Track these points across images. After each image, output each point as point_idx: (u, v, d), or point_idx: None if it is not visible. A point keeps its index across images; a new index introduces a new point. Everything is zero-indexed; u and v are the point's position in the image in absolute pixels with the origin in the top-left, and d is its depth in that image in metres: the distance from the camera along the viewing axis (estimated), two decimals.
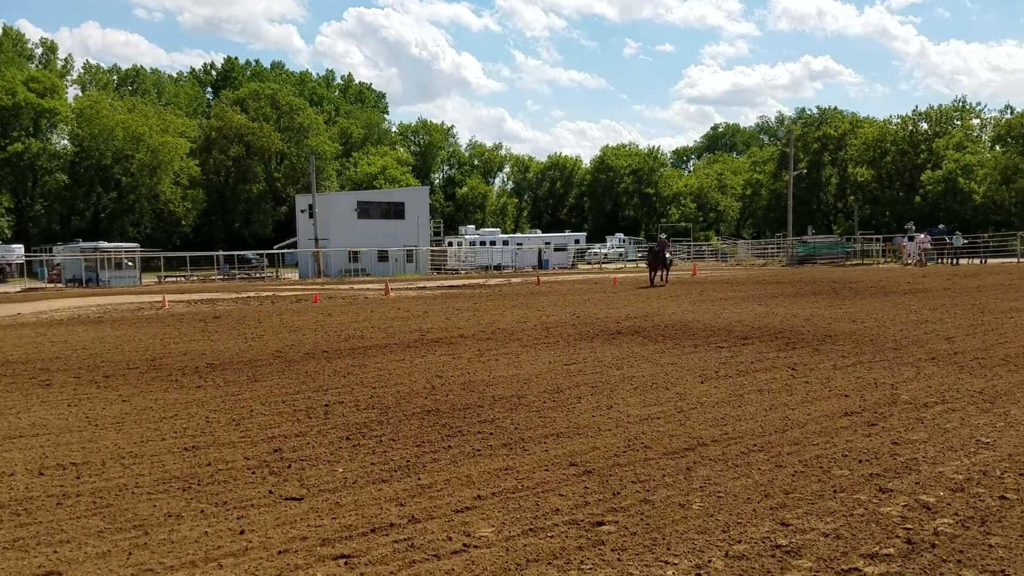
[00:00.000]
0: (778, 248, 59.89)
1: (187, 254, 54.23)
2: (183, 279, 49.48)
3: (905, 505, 5.36)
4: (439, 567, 4.52)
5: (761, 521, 5.12)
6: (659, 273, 31.17)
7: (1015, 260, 43.19)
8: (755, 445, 6.93)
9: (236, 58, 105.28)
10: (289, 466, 6.60)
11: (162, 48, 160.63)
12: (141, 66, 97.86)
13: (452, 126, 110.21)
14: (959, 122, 76.36)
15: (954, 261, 44.43)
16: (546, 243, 64.30)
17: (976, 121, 77.29)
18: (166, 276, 50.52)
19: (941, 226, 52.57)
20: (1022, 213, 63.81)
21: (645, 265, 31.97)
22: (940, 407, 8.24)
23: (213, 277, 50.97)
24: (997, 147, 70.64)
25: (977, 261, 45.13)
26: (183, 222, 76.20)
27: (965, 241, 46.53)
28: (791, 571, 4.38)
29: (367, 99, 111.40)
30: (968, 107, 77.68)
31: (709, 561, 4.53)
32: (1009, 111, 70.83)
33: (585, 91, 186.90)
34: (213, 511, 5.55)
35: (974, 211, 67.03)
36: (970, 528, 4.93)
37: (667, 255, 31.88)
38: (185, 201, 75.63)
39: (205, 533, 5.12)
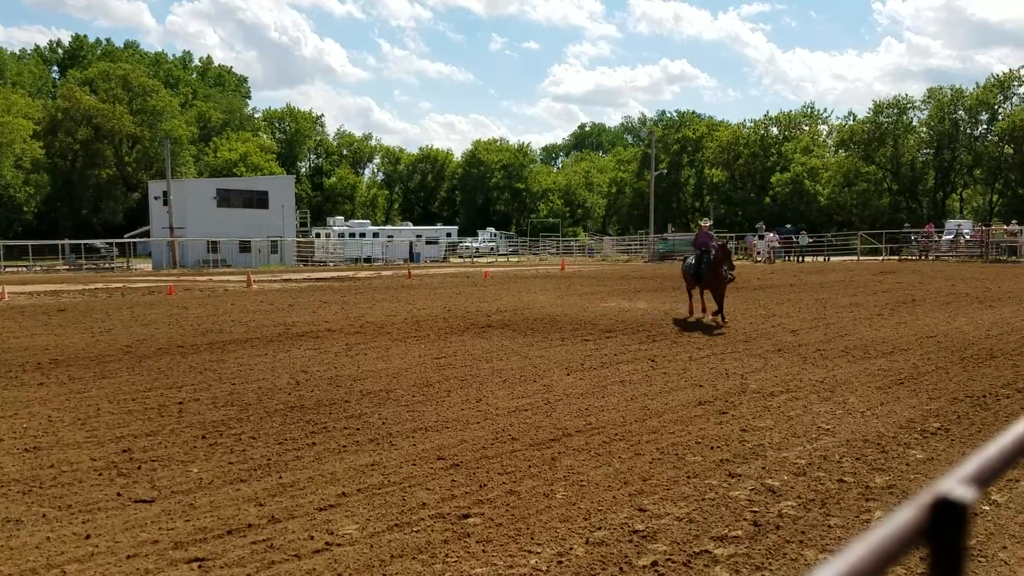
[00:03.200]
0: (641, 245, 61.98)
1: (29, 242, 50.38)
2: (25, 269, 46.02)
3: (752, 489, 5.68)
4: (300, 567, 4.41)
5: (620, 508, 5.30)
6: (704, 292, 15.97)
7: (855, 258, 46.53)
8: (616, 434, 7.16)
9: (85, 36, 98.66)
10: (139, 467, 6.27)
11: None
12: None
13: (321, 115, 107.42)
14: (807, 127, 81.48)
15: (800, 259, 47.35)
16: (417, 236, 63.82)
17: (823, 127, 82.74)
18: (6, 266, 46.81)
19: (788, 226, 55.86)
20: (862, 214, 68.83)
21: (684, 278, 16.68)
22: (785, 396, 8.78)
23: (58, 267, 47.70)
24: (840, 152, 75.80)
25: (821, 259, 48.28)
26: (25, 208, 70.76)
27: (810, 240, 49.67)
28: (647, 555, 4.55)
29: (227, 83, 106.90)
30: (816, 113, 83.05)
31: (571, 548, 4.64)
32: (852, 118, 76.17)
33: (453, 84, 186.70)
34: (56, 515, 5.22)
35: (819, 212, 71.75)
36: (811, 510, 5.27)
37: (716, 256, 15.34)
38: (27, 186, 70.25)
39: (47, 538, 4.81)
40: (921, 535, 0.79)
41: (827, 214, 71.50)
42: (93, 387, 9.51)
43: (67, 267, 47.70)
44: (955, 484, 0.83)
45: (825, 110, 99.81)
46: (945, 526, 0.79)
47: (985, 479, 0.90)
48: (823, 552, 4.58)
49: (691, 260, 16.16)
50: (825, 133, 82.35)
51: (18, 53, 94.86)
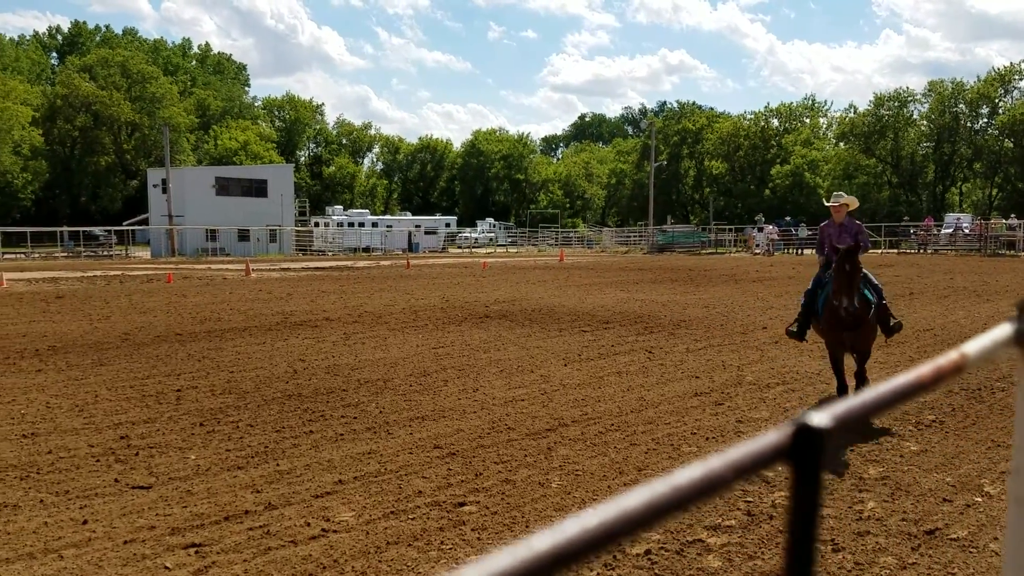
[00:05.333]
0: (640, 236, 61.95)
1: (28, 229, 50.30)
2: (23, 256, 45.99)
3: (746, 480, 5.70)
4: (296, 553, 4.44)
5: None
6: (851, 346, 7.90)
7: None
8: (612, 425, 7.19)
9: (84, 23, 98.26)
10: (137, 454, 6.30)
11: None
12: None
13: (321, 103, 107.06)
14: (807, 119, 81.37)
15: (799, 251, 47.38)
16: (416, 226, 63.65)
17: (824, 120, 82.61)
18: (4, 253, 46.81)
19: (788, 218, 55.87)
20: (861, 207, 68.64)
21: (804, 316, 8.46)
22: (781, 388, 8.81)
23: (56, 254, 47.66)
24: (840, 144, 75.70)
25: None
26: (23, 195, 70.68)
27: (809, 232, 49.69)
28: (640, 543, 4.58)
29: (227, 71, 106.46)
30: (817, 106, 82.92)
31: None
32: (852, 110, 76.01)
33: (451, 73, 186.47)
34: (53, 500, 5.25)
35: (818, 204, 71.50)
36: None
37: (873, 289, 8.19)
38: (26, 173, 70.12)
39: (45, 523, 4.84)
40: (783, 455, 0.96)
41: (827, 207, 71.48)
42: (91, 374, 9.53)
43: (65, 254, 47.66)
44: (817, 414, 0.98)
45: (825, 102, 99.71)
46: (805, 448, 0.97)
47: (850, 419, 1.06)
48: (815, 542, 4.61)
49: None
50: (825, 126, 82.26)
51: (16, 39, 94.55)
